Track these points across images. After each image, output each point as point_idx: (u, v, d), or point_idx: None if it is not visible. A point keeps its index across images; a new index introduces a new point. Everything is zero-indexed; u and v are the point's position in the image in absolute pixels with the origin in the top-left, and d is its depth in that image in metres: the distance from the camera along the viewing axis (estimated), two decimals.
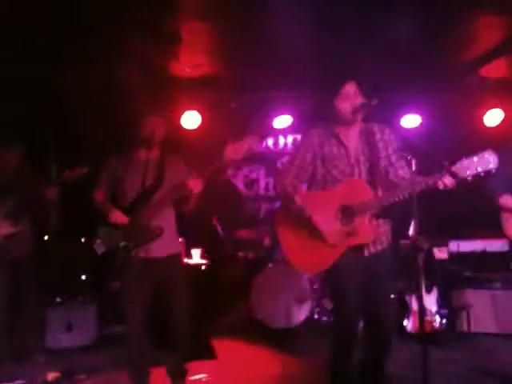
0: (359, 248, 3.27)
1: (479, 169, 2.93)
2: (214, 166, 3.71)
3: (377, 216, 3.29)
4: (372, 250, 3.30)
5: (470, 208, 6.06)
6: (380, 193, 3.28)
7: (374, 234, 3.25)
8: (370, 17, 4.49)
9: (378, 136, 3.40)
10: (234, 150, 3.59)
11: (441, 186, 3.06)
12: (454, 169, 2.98)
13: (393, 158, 3.38)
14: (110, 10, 4.24)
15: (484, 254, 5.80)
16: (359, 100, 3.29)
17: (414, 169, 3.12)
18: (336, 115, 3.37)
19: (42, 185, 4.32)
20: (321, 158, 3.38)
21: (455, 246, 5.82)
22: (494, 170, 2.92)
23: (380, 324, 3.36)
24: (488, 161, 2.91)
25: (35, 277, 4.55)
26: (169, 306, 3.85)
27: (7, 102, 5.05)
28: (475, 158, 2.93)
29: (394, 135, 3.47)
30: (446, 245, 5.60)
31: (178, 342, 3.87)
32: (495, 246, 5.70)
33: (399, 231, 5.08)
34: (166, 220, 3.88)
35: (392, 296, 3.63)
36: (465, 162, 2.95)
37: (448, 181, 3.03)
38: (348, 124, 3.37)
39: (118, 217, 3.76)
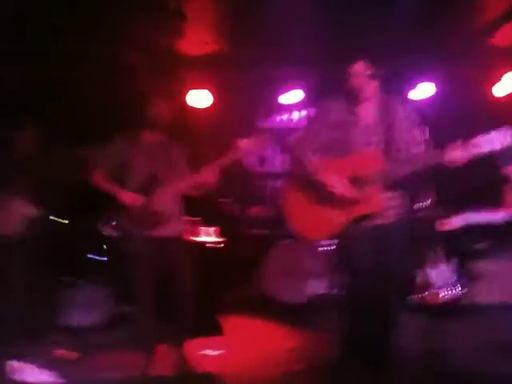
0: (367, 217, 3.27)
1: (497, 145, 2.95)
2: (227, 160, 3.77)
3: (389, 188, 3.28)
4: (381, 221, 3.30)
5: (488, 179, 6.03)
6: (393, 165, 3.24)
7: (382, 205, 3.24)
8: None
9: (398, 109, 3.38)
10: (245, 147, 3.68)
11: (455, 160, 3.05)
12: (472, 143, 3.00)
13: (412, 133, 3.34)
14: None
15: (502, 224, 5.74)
16: (370, 80, 3.32)
17: (427, 137, 3.25)
18: (351, 92, 3.37)
19: (60, 166, 4.37)
20: (336, 129, 3.37)
21: (473, 216, 5.76)
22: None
23: (386, 298, 3.36)
24: (506, 137, 2.94)
25: (47, 257, 4.57)
26: (174, 282, 3.93)
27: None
28: (493, 134, 2.96)
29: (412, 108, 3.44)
30: (460, 214, 5.55)
31: (181, 317, 3.92)
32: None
33: (416, 202, 5.11)
34: (172, 204, 3.95)
35: (405, 269, 3.66)
36: (482, 137, 2.98)
37: (461, 156, 3.02)
38: (364, 98, 3.36)
39: (131, 198, 3.81)
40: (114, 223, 4.01)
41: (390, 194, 3.31)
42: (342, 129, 3.36)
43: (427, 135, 3.29)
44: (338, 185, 3.27)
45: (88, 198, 4.87)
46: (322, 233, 3.47)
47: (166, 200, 3.88)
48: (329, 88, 5.95)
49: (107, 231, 4.11)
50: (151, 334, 3.91)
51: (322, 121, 3.47)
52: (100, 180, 3.90)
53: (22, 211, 4.37)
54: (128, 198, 3.81)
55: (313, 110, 6.41)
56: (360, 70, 3.32)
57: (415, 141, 3.32)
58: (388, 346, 3.43)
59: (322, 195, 3.32)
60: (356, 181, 3.26)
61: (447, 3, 4.79)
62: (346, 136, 3.35)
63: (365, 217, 3.27)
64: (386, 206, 3.28)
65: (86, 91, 5.34)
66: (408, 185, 3.35)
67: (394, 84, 5.85)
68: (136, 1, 4.49)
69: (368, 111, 3.38)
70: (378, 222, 3.30)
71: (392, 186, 3.28)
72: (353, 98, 3.37)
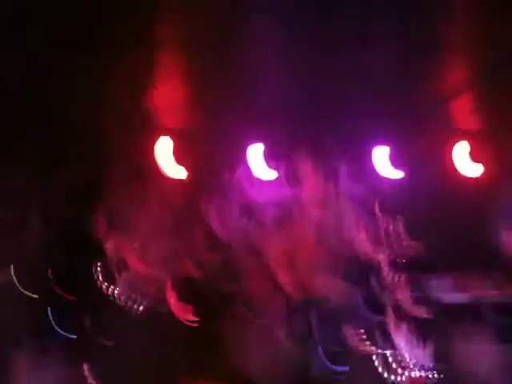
0: (316, 301, 4.08)
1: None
2: None
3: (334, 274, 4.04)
4: (331, 303, 4.08)
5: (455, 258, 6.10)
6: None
7: (326, 290, 3.99)
8: (344, 55, 4.63)
9: (332, 192, 4.19)
10: None
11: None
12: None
13: (346, 216, 4.13)
14: None
15: (471, 306, 5.78)
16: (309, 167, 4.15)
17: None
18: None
19: None
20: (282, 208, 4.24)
21: (443, 297, 5.80)
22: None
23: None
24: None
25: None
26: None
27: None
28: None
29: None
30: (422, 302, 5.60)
31: None
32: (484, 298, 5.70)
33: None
34: None
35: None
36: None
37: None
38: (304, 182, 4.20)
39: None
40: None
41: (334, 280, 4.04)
42: (287, 209, 4.17)
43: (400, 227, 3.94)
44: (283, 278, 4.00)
45: None
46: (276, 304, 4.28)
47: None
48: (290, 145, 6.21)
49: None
50: None
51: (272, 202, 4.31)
52: None
53: None
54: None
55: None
56: (299, 159, 4.07)
57: (350, 224, 4.05)
58: None
59: None
60: (301, 265, 4.00)
61: (404, 74, 4.97)
62: (290, 216, 4.15)
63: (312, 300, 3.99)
64: (331, 290, 4.01)
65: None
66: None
67: (350, 150, 6.08)
68: None
69: (308, 193, 4.16)
70: (330, 303, 4.01)
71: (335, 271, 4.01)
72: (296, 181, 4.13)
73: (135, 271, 3.99)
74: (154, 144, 6.01)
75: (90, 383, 5.09)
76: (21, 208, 4.43)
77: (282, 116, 5.95)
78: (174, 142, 6.06)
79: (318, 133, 5.88)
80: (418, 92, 5.43)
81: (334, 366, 4.44)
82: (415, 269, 5.19)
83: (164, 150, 6.07)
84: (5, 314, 4.33)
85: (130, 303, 3.93)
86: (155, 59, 4.80)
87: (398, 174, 6.25)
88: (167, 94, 5.49)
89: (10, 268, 4.35)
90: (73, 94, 4.69)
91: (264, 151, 6.41)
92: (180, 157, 6.12)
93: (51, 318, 5.30)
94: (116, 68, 4.58)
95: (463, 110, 5.86)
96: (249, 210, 6.46)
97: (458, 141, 6.32)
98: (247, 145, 6.44)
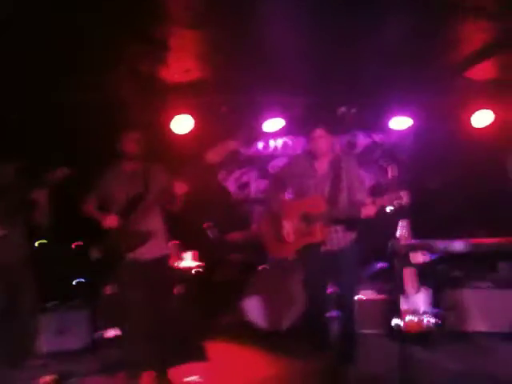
0: (316, 245, 4.28)
1: (395, 202, 3.97)
2: (195, 168, 4.05)
3: (333, 224, 4.27)
4: (328, 247, 4.30)
5: (459, 209, 6.20)
6: (335, 208, 4.23)
7: (323, 236, 4.24)
8: (359, 22, 4.60)
9: (343, 165, 4.35)
10: (214, 153, 3.85)
11: (364, 215, 4.05)
12: (379, 201, 4.04)
13: (354, 184, 4.33)
14: (101, 20, 4.32)
15: (473, 254, 5.85)
16: (326, 142, 4.36)
17: (391, 174, 4.30)
18: (311, 150, 4.44)
19: (31, 188, 4.35)
20: (298, 177, 4.45)
21: (444, 245, 5.86)
22: (405, 205, 3.97)
23: (344, 305, 4.44)
24: (402, 197, 3.93)
25: (30, 281, 4.46)
26: (156, 307, 3.99)
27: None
28: (394, 195, 3.96)
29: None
30: (424, 249, 5.66)
31: (164, 343, 3.96)
32: (484, 246, 5.76)
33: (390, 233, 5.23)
34: (154, 224, 4.19)
35: (355, 285, 4.75)
36: (387, 196, 4.00)
37: (371, 210, 4.04)
38: (320, 155, 4.39)
39: (112, 220, 4.06)
40: (101, 247, 4.15)
41: (334, 229, 4.29)
42: (302, 178, 4.41)
43: (396, 172, 4.27)
44: (286, 229, 4.32)
45: (70, 222, 4.91)
46: (279, 253, 4.61)
47: (149, 220, 4.12)
48: (308, 117, 6.25)
49: (95, 255, 4.19)
50: (139, 359, 3.95)
51: (289, 171, 4.55)
52: (90, 209, 4.25)
53: None
54: (110, 220, 4.07)
55: (292, 140, 7.22)
56: (318, 134, 4.34)
57: (359, 192, 4.28)
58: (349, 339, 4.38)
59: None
60: (306, 217, 4.26)
61: (424, 39, 4.95)
62: (304, 184, 4.40)
63: (313, 245, 4.26)
64: (328, 237, 4.26)
65: (69, 119, 5.42)
66: (353, 222, 4.27)
67: (368, 115, 6.16)
68: (121, 31, 4.55)
69: (322, 165, 4.40)
70: (325, 248, 4.29)
71: (334, 222, 4.25)
72: (312, 154, 4.42)
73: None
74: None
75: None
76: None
77: (300, 90, 5.99)
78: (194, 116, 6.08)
79: (337, 104, 6.04)
80: (436, 59, 5.41)
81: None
82: (421, 218, 5.38)
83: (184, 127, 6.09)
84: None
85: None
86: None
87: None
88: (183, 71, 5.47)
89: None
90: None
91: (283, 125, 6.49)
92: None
93: None
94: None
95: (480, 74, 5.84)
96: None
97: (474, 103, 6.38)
98: (266, 119, 6.46)
